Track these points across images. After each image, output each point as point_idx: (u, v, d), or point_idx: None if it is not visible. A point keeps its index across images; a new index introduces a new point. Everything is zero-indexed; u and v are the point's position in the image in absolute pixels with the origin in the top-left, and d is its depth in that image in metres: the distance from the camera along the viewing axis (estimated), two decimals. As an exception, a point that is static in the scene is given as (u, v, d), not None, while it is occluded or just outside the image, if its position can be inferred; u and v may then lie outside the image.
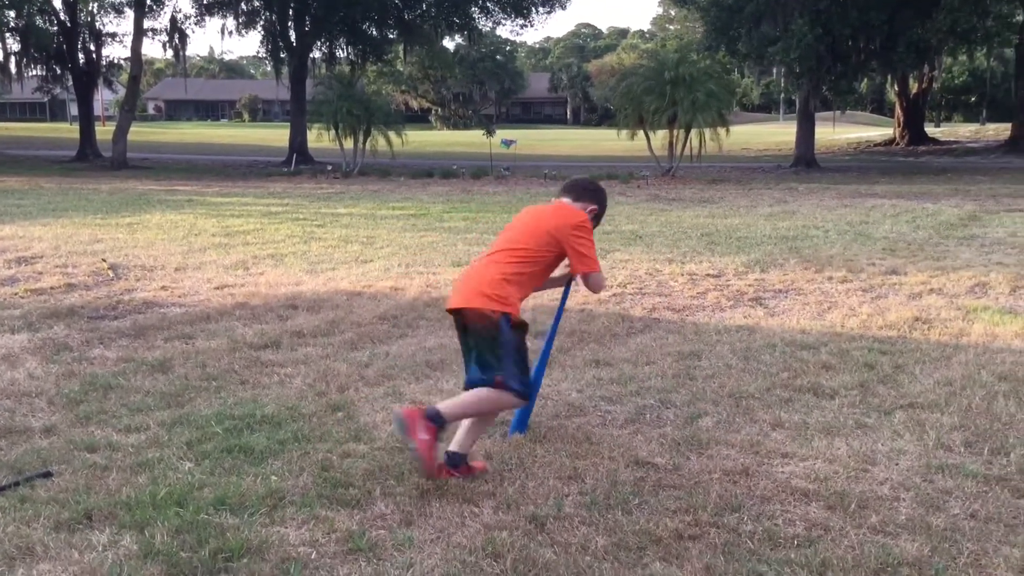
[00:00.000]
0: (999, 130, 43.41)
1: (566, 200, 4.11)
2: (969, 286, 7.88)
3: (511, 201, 16.92)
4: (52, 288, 7.76)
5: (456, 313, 3.88)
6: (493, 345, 3.74)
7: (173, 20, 32.22)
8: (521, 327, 3.87)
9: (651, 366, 5.41)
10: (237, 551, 3.03)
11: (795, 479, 3.68)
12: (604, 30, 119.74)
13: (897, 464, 3.85)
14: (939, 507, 3.42)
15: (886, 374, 5.18)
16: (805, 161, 28.53)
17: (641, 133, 25.07)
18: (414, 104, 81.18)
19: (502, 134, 29.19)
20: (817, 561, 2.98)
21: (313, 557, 3.03)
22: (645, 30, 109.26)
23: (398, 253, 9.97)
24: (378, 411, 4.53)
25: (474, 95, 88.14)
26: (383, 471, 3.72)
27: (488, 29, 38.69)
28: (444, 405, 3.65)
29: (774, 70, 36.53)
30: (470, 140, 41.17)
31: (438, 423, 3.55)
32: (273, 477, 3.64)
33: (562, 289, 4.38)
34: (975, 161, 31.14)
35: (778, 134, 48.89)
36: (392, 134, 25.45)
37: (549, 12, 34.71)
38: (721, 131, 24.37)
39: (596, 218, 4.12)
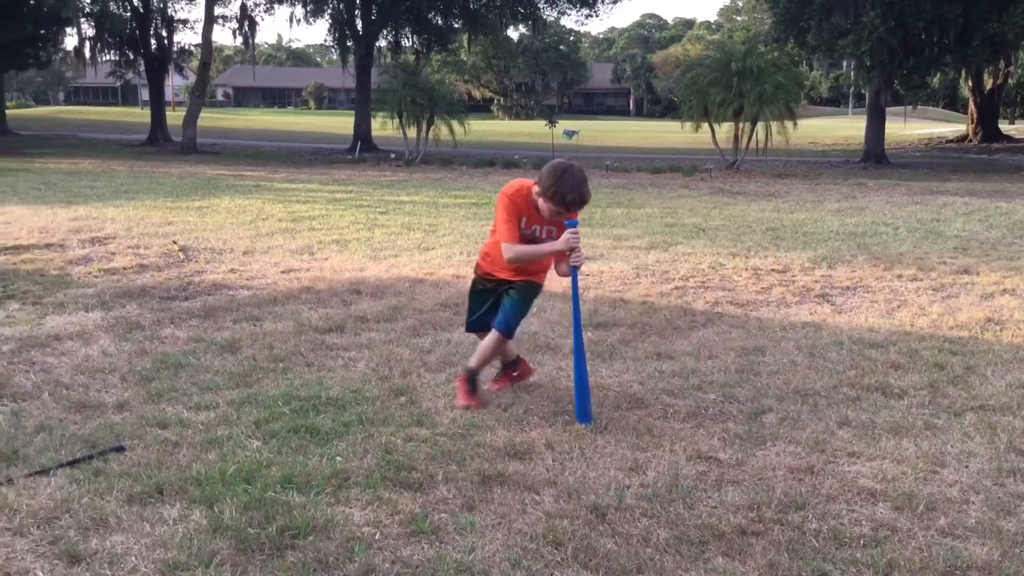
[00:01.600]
0: (1079, 127, 41.97)
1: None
2: (1045, 287, 7.64)
3: (573, 192, 16.85)
4: (125, 268, 7.98)
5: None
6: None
7: (243, 7, 32.82)
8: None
9: (714, 360, 5.36)
10: (303, 529, 3.09)
11: (862, 479, 3.62)
12: (670, 21, 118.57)
13: (967, 467, 3.76)
14: (1010, 511, 3.34)
15: (956, 375, 5.06)
16: (875, 157, 27.92)
17: (706, 125, 24.77)
18: (477, 94, 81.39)
19: (564, 125, 29.14)
20: (884, 562, 2.93)
21: (377, 538, 3.08)
22: (712, 21, 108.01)
23: (460, 241, 10.02)
24: (440, 397, 4.57)
25: (536, 85, 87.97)
26: (445, 456, 3.76)
27: (553, 19, 38.68)
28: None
29: (844, 63, 35.74)
30: (532, 130, 41.17)
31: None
32: (338, 458, 3.70)
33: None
34: (1053, 159, 30.13)
35: (847, 128, 47.90)
36: (455, 123, 25.59)
37: (615, 2, 34.53)
38: (788, 124, 23.94)
39: (560, 200, 4.13)
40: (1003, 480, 3.63)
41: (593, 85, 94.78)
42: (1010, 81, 44.53)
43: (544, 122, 27.62)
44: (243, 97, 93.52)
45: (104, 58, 35.63)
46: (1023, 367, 5.23)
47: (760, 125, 23.66)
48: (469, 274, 7.95)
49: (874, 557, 2.97)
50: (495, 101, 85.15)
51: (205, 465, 3.62)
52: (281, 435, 3.96)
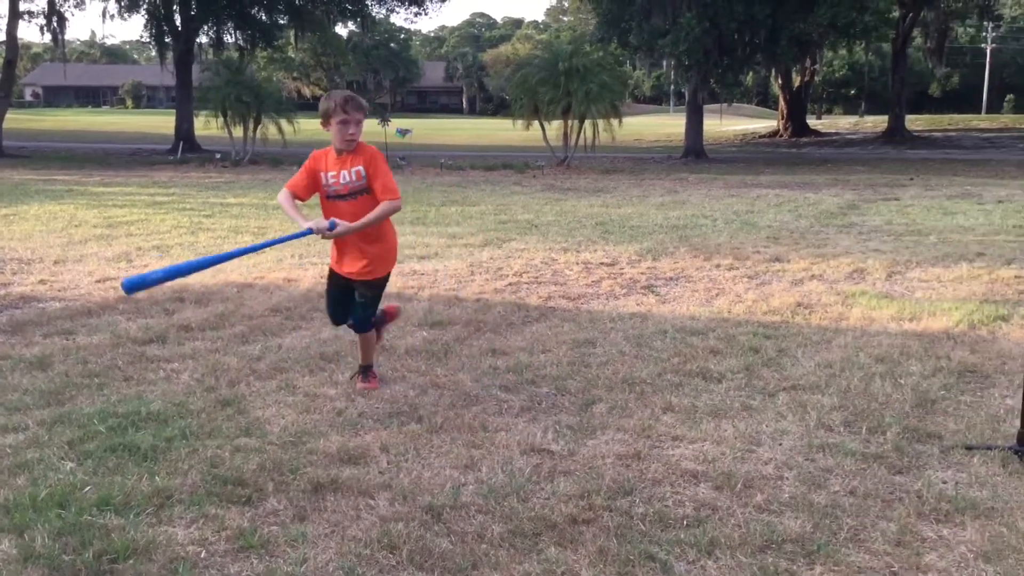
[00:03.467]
0: (877, 122, 45.49)
1: None
2: (848, 272, 8.23)
3: (407, 191, 16.74)
4: (-83, 283, 7.32)
5: None
6: None
7: (51, 2, 30.73)
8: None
9: (547, 354, 5.46)
10: (122, 552, 2.93)
11: (685, 461, 3.78)
12: (499, 20, 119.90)
13: (781, 444, 3.99)
14: (820, 485, 3.57)
15: (770, 357, 5.37)
16: (695, 152, 29.26)
17: (536, 123, 25.25)
18: (307, 92, 79.52)
19: (397, 123, 28.94)
20: (706, 540, 3.07)
21: (203, 556, 2.95)
22: (539, 21, 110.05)
23: (290, 244, 9.76)
24: (270, 405, 4.44)
25: (368, 83, 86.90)
26: (275, 466, 3.65)
27: (382, 16, 38.36)
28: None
29: (664, 62, 37.31)
30: (366, 129, 40.61)
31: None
32: (159, 476, 3.53)
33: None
34: (854, 152, 32.54)
35: (669, 125, 49.95)
36: (284, 122, 24.94)
37: (443, 0, 34.57)
38: (614, 122, 24.75)
39: (335, 109, 4.31)
40: (813, 455, 3.87)
41: (426, 83, 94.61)
42: (816, 78, 47.74)
43: (377, 121, 27.33)
44: (54, 97, 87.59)
45: None
46: (831, 347, 5.61)
47: (588, 123, 24.34)
48: (300, 277, 7.81)
49: (697, 536, 3.10)
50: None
51: (14, 491, 3.37)
52: (97, 455, 3.73)
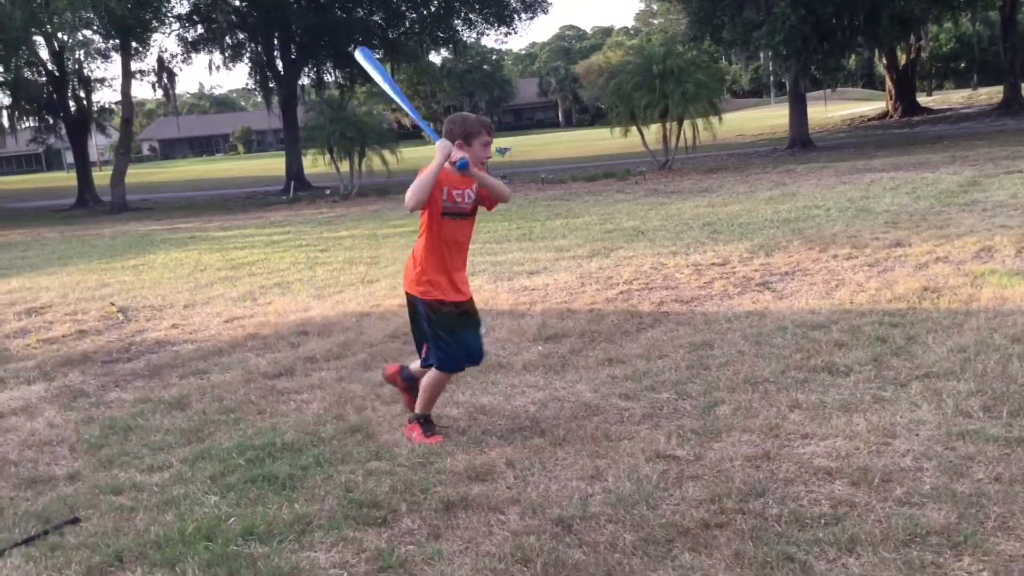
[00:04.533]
0: (991, 94, 43.38)
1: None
2: (975, 251, 7.87)
3: (511, 208, 16.94)
4: (64, 336, 7.81)
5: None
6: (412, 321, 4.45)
7: (160, 60, 32.37)
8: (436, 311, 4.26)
9: (664, 360, 5.42)
10: (269, 579, 3.05)
11: (817, 458, 3.69)
12: (588, 30, 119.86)
13: (917, 435, 3.85)
14: (963, 474, 3.43)
15: (899, 346, 5.18)
16: (800, 142, 28.49)
17: (635, 129, 25.09)
18: (407, 121, 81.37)
19: (496, 143, 29.27)
20: (845, 538, 2.99)
21: (345, 578, 3.05)
22: (629, 26, 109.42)
23: (403, 271, 9.98)
24: (396, 428, 4.55)
25: (465, 106, 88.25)
26: (407, 487, 3.74)
27: (473, 40, 38.76)
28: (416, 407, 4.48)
29: (761, 54, 36.49)
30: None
31: (420, 419, 4.44)
32: (298, 503, 3.66)
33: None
34: (970, 126, 31.06)
35: (771, 117, 48.86)
36: (387, 153, 25.55)
37: (532, 18, 34.83)
38: (714, 120, 24.35)
39: (478, 131, 4.26)
40: (953, 444, 3.72)
41: (520, 101, 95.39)
42: (923, 55, 45.88)
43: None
44: (170, 149, 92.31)
45: (23, 125, 34.90)
46: (963, 331, 5.38)
47: (687, 123, 24.02)
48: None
49: (836, 534, 3.02)
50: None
51: (163, 527, 3.56)
52: (238, 487, 3.91)
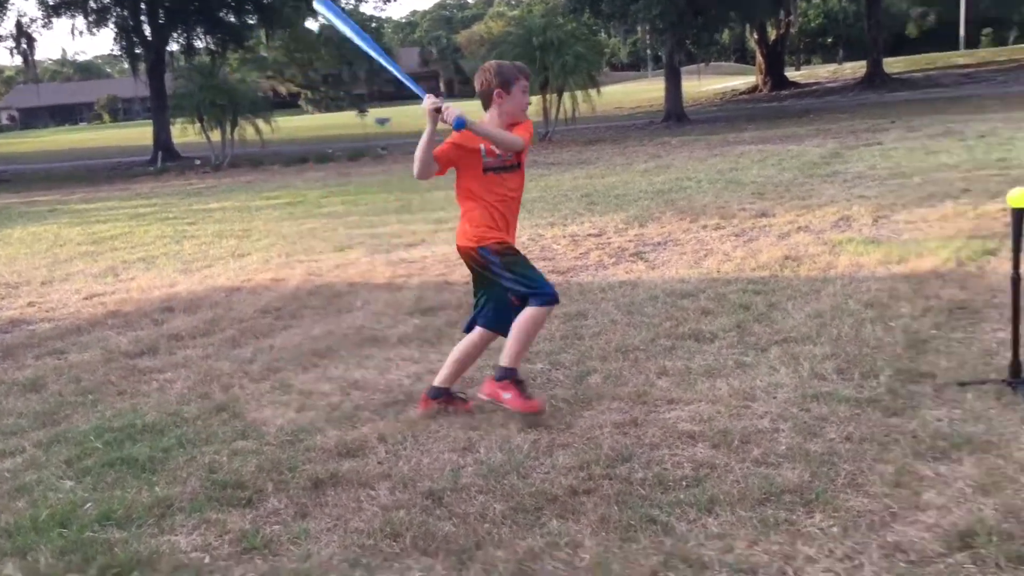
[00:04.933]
0: (856, 69, 45.27)
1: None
2: (834, 221, 8.22)
3: (391, 180, 16.74)
4: (-95, 317, 7.29)
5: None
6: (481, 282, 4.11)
7: (19, 24, 30.47)
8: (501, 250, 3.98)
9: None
10: (127, 565, 2.93)
11: (681, 423, 3.79)
12: (470, 0, 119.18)
13: (775, 397, 4.00)
14: (816, 434, 3.58)
15: (761, 313, 5.37)
16: (675, 115, 29.12)
17: (514, 101, 25.10)
18: (282, 90, 79.08)
19: (375, 113, 28.82)
20: (705, 498, 3.09)
21: (206, 562, 2.96)
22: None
23: (277, 244, 9.75)
24: (265, 406, 4.44)
25: (344, 76, 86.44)
26: (274, 466, 3.65)
27: (351, 7, 38.00)
28: (504, 359, 3.94)
29: (639, 28, 37.05)
30: (344, 122, 40.46)
31: (509, 375, 3.92)
32: (158, 486, 3.53)
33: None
34: (835, 100, 32.42)
35: (648, 91, 49.74)
36: (260, 122, 24.84)
37: (410, -15, 34.26)
38: (593, 92, 24.65)
39: (517, 75, 4.01)
40: (808, 405, 3.88)
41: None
42: (792, 30, 47.49)
43: (355, 113, 27.21)
44: (30, 118, 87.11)
45: None
46: (820, 297, 5.62)
47: (567, 95, 24.25)
48: (288, 276, 7.79)
49: (696, 496, 3.11)
50: (302, 95, 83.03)
51: (14, 514, 3.37)
52: (95, 471, 3.73)
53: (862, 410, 3.77)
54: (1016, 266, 3.84)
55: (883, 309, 5.20)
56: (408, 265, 7.93)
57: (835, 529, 2.86)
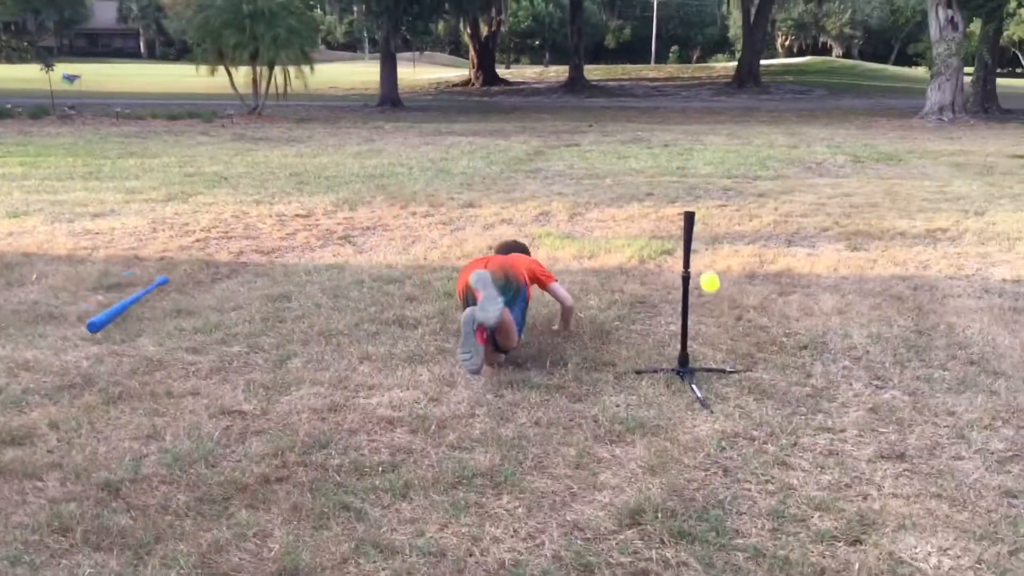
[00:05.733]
0: (559, 72, 47.94)
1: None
2: (535, 215, 8.65)
3: (78, 143, 15.33)
4: None
5: None
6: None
7: None
8: None
9: (238, 311, 5.25)
10: None
11: (381, 408, 3.81)
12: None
13: (473, 384, 4.13)
14: (509, 419, 3.74)
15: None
16: (391, 100, 29.25)
17: (222, 69, 23.92)
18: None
19: (64, 68, 26.20)
20: (400, 483, 3.12)
21: None
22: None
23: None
24: (-90, 390, 3.88)
25: (29, 25, 77.71)
26: (-82, 458, 3.21)
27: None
28: None
29: (355, 8, 36.71)
30: (26, 76, 36.36)
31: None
32: None
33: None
34: (540, 100, 34.16)
35: (364, 73, 49.44)
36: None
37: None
38: (306, 69, 24.06)
39: None
40: (502, 391, 4.05)
41: (96, 24, 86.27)
42: (503, 28, 49.27)
43: (40, 66, 24.54)
44: None
45: None
46: (518, 287, 5.86)
47: (278, 69, 23.48)
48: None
49: (392, 481, 3.14)
50: (-24, 41, 73.67)
51: None
52: None
53: (551, 396, 3.99)
54: (686, 265, 4.26)
55: (575, 301, 5.53)
56: (93, 236, 7.30)
57: (520, 510, 3.00)
